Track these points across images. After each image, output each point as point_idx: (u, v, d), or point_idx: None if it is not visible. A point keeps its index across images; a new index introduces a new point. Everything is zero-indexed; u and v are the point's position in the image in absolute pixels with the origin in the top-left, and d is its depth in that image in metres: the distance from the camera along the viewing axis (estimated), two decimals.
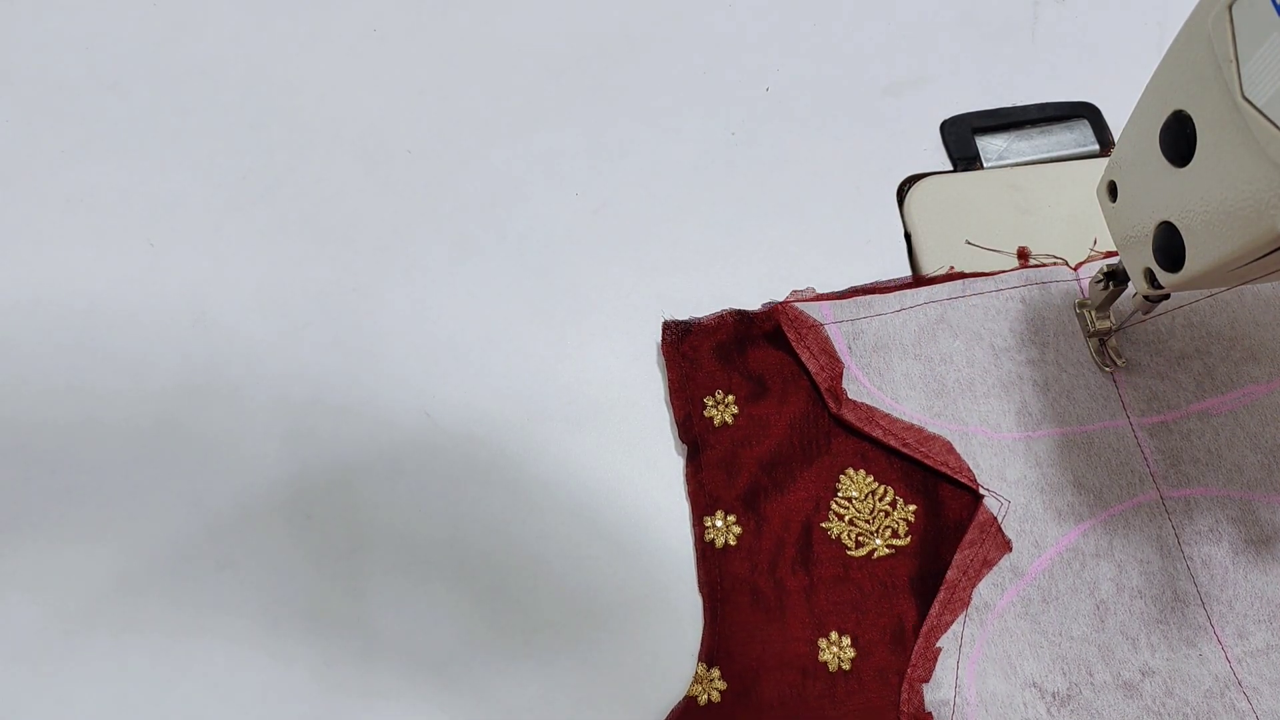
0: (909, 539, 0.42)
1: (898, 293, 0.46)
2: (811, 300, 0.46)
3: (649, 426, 0.46)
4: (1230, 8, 0.30)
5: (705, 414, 0.45)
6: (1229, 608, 0.40)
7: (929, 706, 0.39)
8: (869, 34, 0.56)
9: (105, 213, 0.50)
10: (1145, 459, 0.42)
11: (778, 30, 0.56)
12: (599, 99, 0.53)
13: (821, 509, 0.43)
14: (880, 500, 0.43)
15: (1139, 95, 0.36)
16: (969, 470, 0.43)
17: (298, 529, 0.44)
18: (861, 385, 0.44)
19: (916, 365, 0.45)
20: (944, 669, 0.39)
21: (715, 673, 0.40)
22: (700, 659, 0.40)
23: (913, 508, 0.43)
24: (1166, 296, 0.39)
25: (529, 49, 0.55)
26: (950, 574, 0.41)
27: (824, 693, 0.40)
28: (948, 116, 0.54)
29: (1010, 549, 0.41)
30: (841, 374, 0.44)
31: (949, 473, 0.43)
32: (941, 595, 0.40)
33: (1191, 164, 0.33)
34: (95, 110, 0.53)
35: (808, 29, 0.56)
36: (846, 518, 0.43)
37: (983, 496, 0.42)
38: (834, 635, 0.41)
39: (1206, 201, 0.32)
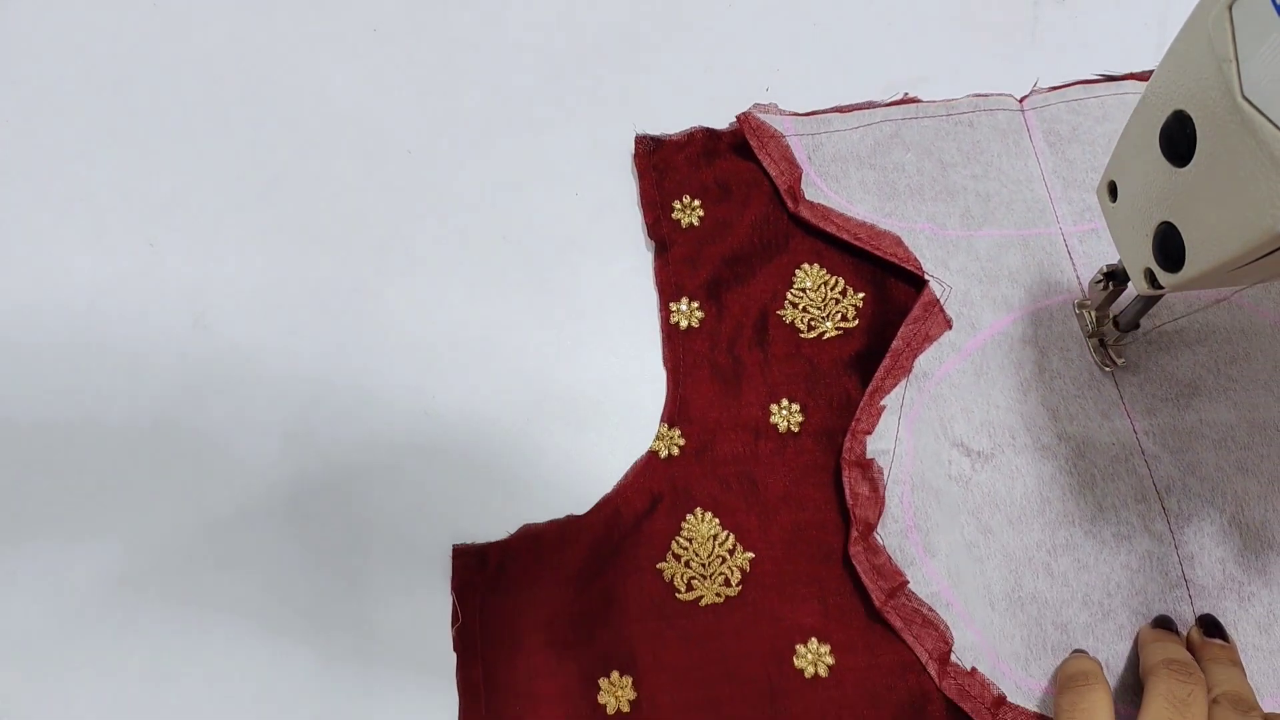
0: (857, 322, 0.47)
1: (855, 113, 0.51)
2: (775, 114, 0.51)
3: (649, 427, 0.46)
4: (1230, 8, 0.30)
5: (673, 216, 0.49)
6: (1138, 386, 0.45)
7: (870, 454, 0.43)
8: (869, 34, 0.56)
9: (105, 213, 0.50)
10: (1073, 262, 0.47)
11: (778, 31, 0.56)
12: (599, 98, 0.53)
13: (778, 299, 0.47)
14: (832, 290, 0.47)
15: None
16: (915, 260, 0.47)
17: (298, 529, 0.44)
18: (818, 188, 0.49)
19: (871, 173, 0.49)
20: (885, 424, 0.44)
21: (675, 432, 0.44)
22: (662, 420, 0.45)
23: (861, 295, 0.47)
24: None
25: (529, 49, 0.55)
26: (895, 344, 0.45)
27: (774, 450, 0.44)
28: None
29: (950, 327, 0.46)
30: (800, 177, 0.49)
31: (897, 262, 0.47)
32: (886, 362, 0.44)
33: (1191, 164, 0.33)
34: (95, 110, 0.53)
35: (807, 29, 0.56)
36: (800, 305, 0.47)
37: (927, 282, 0.46)
38: (785, 402, 0.45)
39: (1206, 201, 0.32)
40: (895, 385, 0.44)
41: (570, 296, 0.48)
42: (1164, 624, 0.41)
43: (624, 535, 0.42)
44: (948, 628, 0.40)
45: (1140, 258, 0.37)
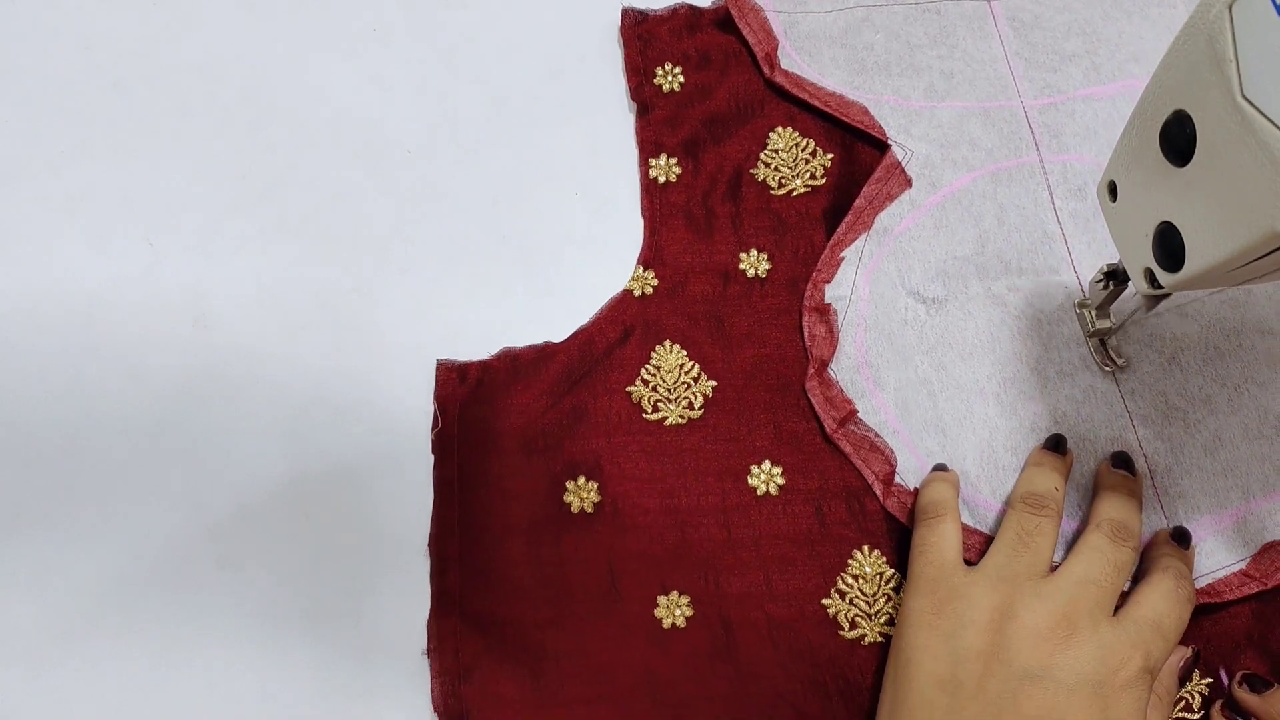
0: (825, 181, 0.50)
1: None
2: None
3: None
4: (1230, 8, 0.30)
5: (655, 82, 0.53)
6: (1087, 245, 0.48)
7: (828, 300, 0.47)
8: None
9: (105, 213, 0.50)
10: (1032, 131, 0.50)
11: None
12: (599, 98, 0.53)
13: (751, 159, 0.50)
14: (802, 150, 0.50)
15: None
16: (880, 127, 0.50)
17: (298, 529, 0.44)
18: (793, 60, 0.52)
19: (842, 51, 0.53)
20: (844, 273, 0.47)
21: (650, 274, 0.48)
22: (638, 264, 0.48)
23: (830, 156, 0.50)
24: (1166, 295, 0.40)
25: (529, 48, 0.55)
26: (858, 202, 0.49)
27: (741, 294, 0.48)
28: None
29: (910, 185, 0.49)
30: (777, 47, 0.52)
31: (864, 129, 0.50)
32: (849, 218, 0.48)
33: (1191, 164, 0.33)
34: (95, 110, 0.53)
35: None
36: (773, 165, 0.50)
37: (890, 146, 0.50)
38: (753, 252, 0.48)
39: (1206, 201, 0.32)
40: (856, 239, 0.48)
41: (570, 296, 0.48)
42: (1123, 462, 0.42)
43: (596, 360, 0.46)
44: (893, 452, 0.44)
45: (1140, 257, 0.37)
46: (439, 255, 0.50)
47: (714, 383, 0.46)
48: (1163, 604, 0.38)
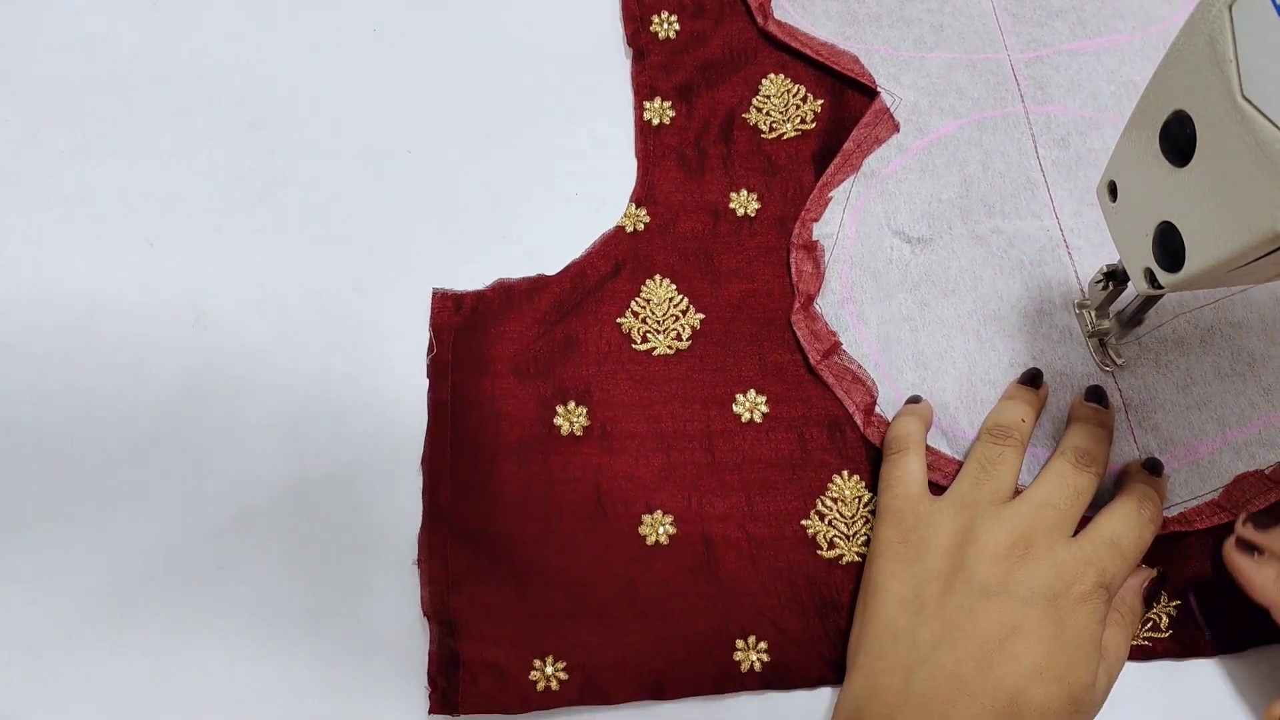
0: (815, 125, 0.51)
1: None
2: None
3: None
4: (1230, 8, 0.30)
5: (651, 29, 0.54)
6: (1068, 193, 0.49)
7: (816, 238, 0.48)
8: None
9: (105, 213, 0.50)
10: (1018, 82, 0.52)
11: None
12: (600, 98, 0.53)
13: (744, 104, 0.52)
14: (794, 96, 0.52)
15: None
16: (870, 75, 0.52)
17: (297, 529, 0.44)
18: (786, 10, 0.54)
19: (835, 3, 0.54)
20: (831, 213, 0.49)
21: (642, 211, 0.49)
22: (631, 201, 0.50)
23: (820, 102, 0.52)
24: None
25: (529, 48, 0.55)
26: (846, 145, 0.50)
27: (730, 232, 0.49)
28: None
29: (898, 130, 0.51)
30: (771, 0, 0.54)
31: (854, 77, 0.52)
32: (837, 160, 0.50)
33: (1191, 164, 0.33)
34: (95, 110, 0.53)
35: None
36: (764, 110, 0.52)
37: (879, 93, 0.51)
38: (743, 192, 0.50)
39: (1206, 201, 0.32)
40: (844, 180, 0.49)
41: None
42: (1096, 396, 0.44)
43: (587, 292, 0.48)
44: (874, 384, 0.46)
45: (1140, 257, 0.37)
46: (439, 255, 0.50)
47: (702, 315, 0.47)
48: (1121, 525, 0.39)
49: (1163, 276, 0.36)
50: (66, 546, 0.44)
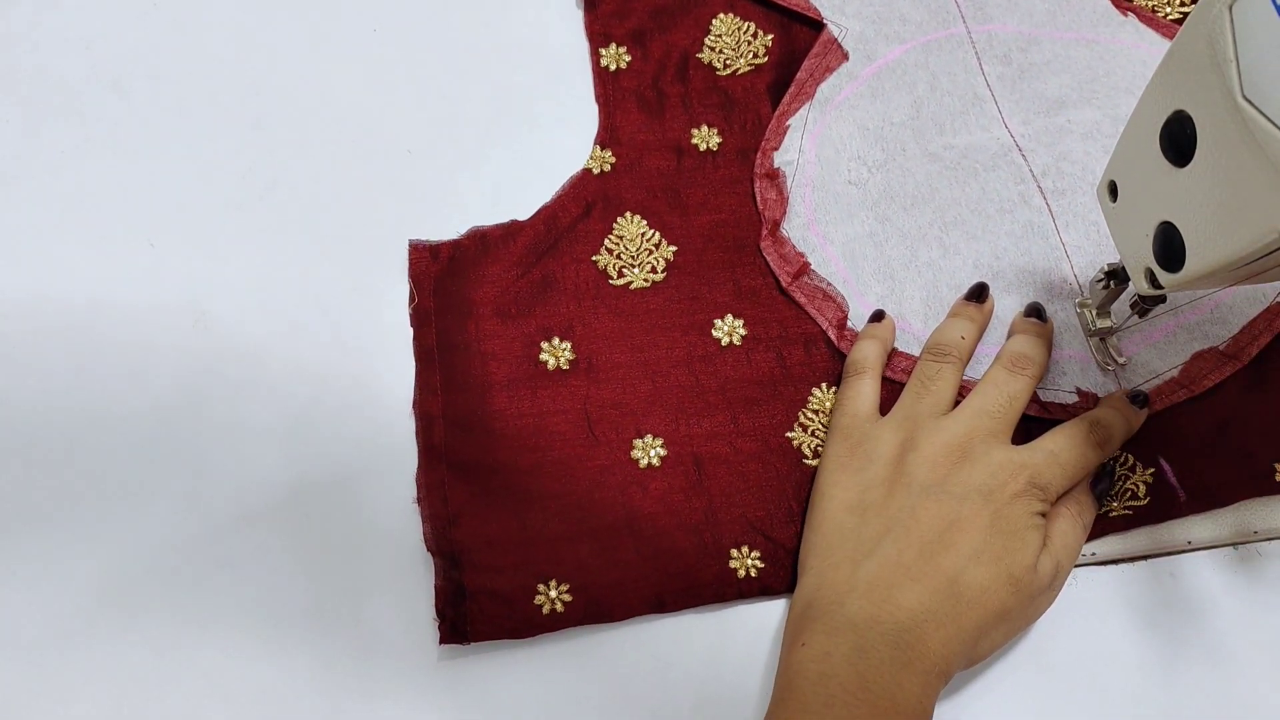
0: (767, 59, 0.53)
1: None
2: None
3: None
4: (1230, 8, 0.30)
5: None
6: (1015, 104, 0.51)
7: (777, 165, 0.50)
8: None
9: (105, 213, 0.50)
10: (958, 4, 0.54)
11: None
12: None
13: (696, 44, 0.54)
14: (744, 33, 0.54)
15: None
16: (815, 9, 0.54)
17: (297, 529, 0.44)
18: None
19: None
20: (790, 140, 0.51)
21: (607, 153, 0.51)
22: (595, 144, 0.51)
23: (770, 36, 0.54)
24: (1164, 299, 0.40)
25: (530, 48, 0.55)
26: (799, 75, 0.52)
27: (695, 167, 0.51)
28: None
29: (847, 59, 0.53)
30: None
31: (800, 10, 0.54)
32: (792, 90, 0.52)
33: (1191, 164, 0.33)
34: (95, 110, 0.53)
35: None
36: (717, 48, 0.53)
37: (825, 25, 0.53)
38: (704, 127, 0.52)
39: (1206, 201, 0.32)
40: (800, 108, 0.51)
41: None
42: (1035, 311, 0.46)
43: (561, 234, 0.49)
44: (844, 300, 0.48)
45: (1140, 258, 0.37)
46: None
47: (674, 248, 0.49)
48: (1065, 441, 0.41)
49: (1163, 276, 0.36)
50: (66, 546, 0.44)
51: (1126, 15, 0.54)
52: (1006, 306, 0.47)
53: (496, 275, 0.48)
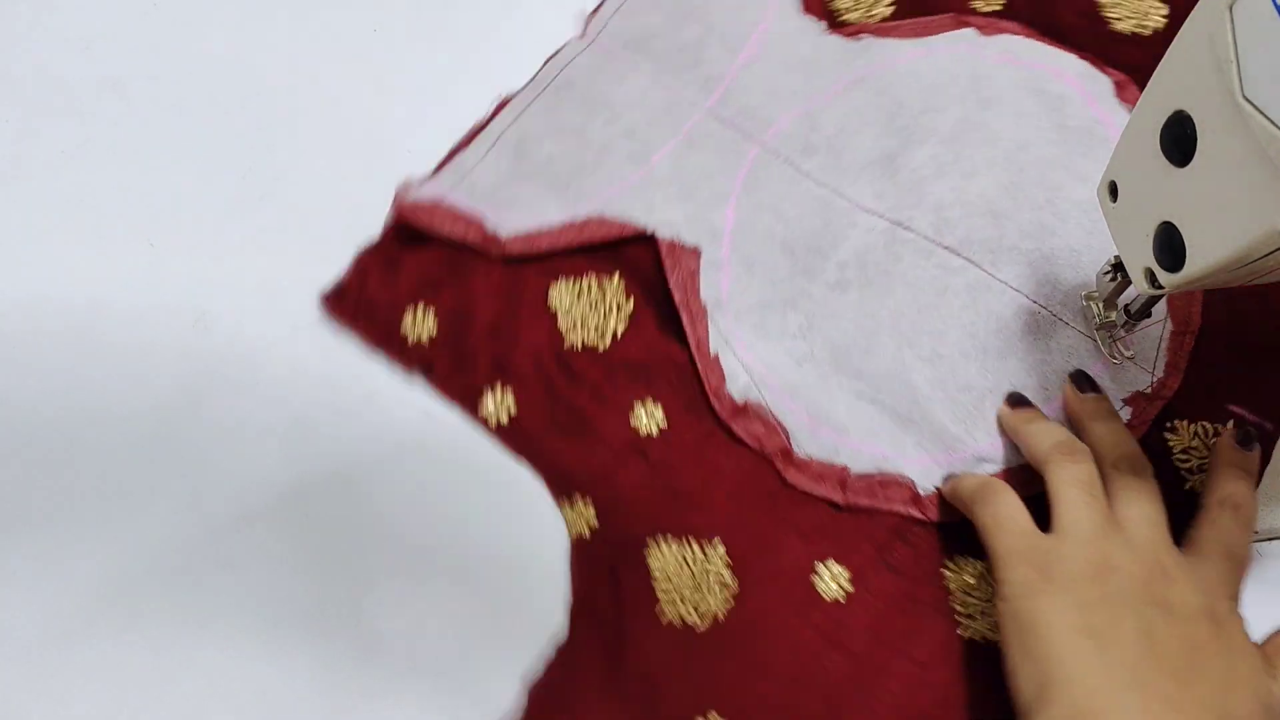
0: (632, 303, 0.44)
1: (473, 142, 0.48)
2: (418, 187, 0.46)
3: None
4: (1230, 8, 0.30)
5: (402, 333, 0.44)
6: (853, 184, 0.47)
7: (739, 398, 0.43)
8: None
9: (105, 213, 0.50)
10: (738, 128, 0.48)
11: None
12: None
13: (555, 337, 0.44)
14: (591, 294, 0.45)
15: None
16: (629, 225, 0.45)
17: (298, 529, 0.44)
18: (502, 218, 0.45)
19: (528, 183, 0.46)
20: (728, 365, 0.44)
21: (588, 503, 0.42)
22: (559, 499, 0.42)
23: (617, 280, 0.45)
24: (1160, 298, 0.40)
25: (530, 48, 0.55)
26: (677, 299, 0.44)
27: (660, 455, 0.42)
28: None
29: (700, 253, 0.45)
30: (483, 225, 0.45)
31: (618, 235, 0.45)
32: (684, 318, 0.44)
33: (1191, 164, 0.33)
34: (95, 110, 0.53)
35: None
36: (579, 338, 0.44)
37: (651, 234, 0.45)
38: (645, 406, 0.43)
39: (1207, 202, 0.32)
40: (706, 329, 0.44)
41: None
42: (1020, 401, 0.43)
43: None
44: (904, 476, 0.42)
45: (1140, 258, 0.37)
46: None
47: (727, 556, 0.41)
48: (1231, 538, 0.39)
49: (1163, 276, 0.36)
50: (67, 546, 0.44)
51: (860, 38, 0.49)
52: (1011, 369, 0.44)
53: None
